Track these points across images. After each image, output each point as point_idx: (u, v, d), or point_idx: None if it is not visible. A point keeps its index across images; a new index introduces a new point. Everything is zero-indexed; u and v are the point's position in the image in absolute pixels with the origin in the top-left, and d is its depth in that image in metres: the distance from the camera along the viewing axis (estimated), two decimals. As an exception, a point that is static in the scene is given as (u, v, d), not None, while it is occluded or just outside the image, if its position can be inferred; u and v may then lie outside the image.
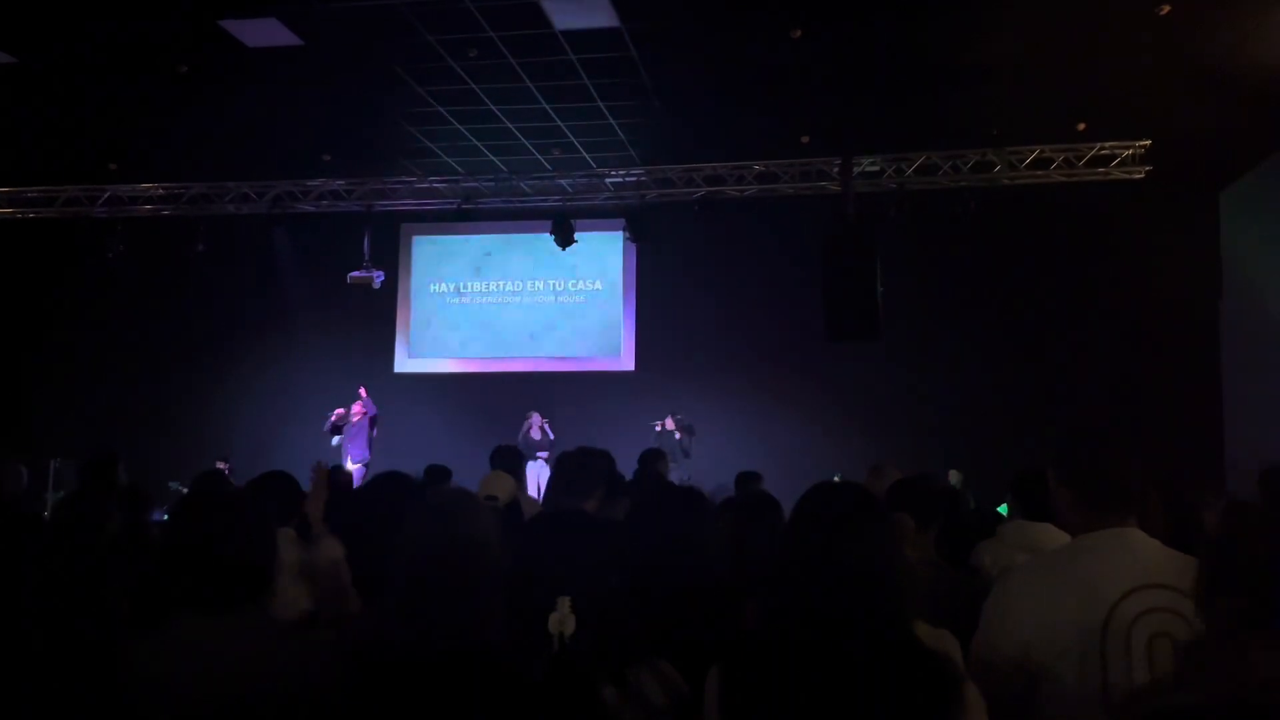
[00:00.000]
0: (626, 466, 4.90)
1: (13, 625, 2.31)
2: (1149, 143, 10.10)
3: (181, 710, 1.78)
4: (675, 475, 10.88)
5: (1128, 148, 10.21)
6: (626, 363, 12.86)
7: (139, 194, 11.81)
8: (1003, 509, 4.75)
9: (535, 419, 11.75)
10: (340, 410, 11.72)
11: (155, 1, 7.33)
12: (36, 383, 12.61)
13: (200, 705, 1.78)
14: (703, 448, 11.83)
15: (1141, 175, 10.24)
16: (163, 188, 11.77)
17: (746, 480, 5.90)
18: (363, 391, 11.80)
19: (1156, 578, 1.87)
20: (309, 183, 11.70)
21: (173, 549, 2.01)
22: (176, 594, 1.90)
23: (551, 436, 11.63)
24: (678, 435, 11.46)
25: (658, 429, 11.37)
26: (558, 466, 3.82)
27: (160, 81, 8.82)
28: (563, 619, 1.64)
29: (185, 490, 8.85)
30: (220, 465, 11.69)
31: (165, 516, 7.48)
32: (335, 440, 11.61)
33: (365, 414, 11.67)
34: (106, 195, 11.81)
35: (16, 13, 7.53)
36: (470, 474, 7.12)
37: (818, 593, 1.58)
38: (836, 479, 9.14)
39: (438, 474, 5.64)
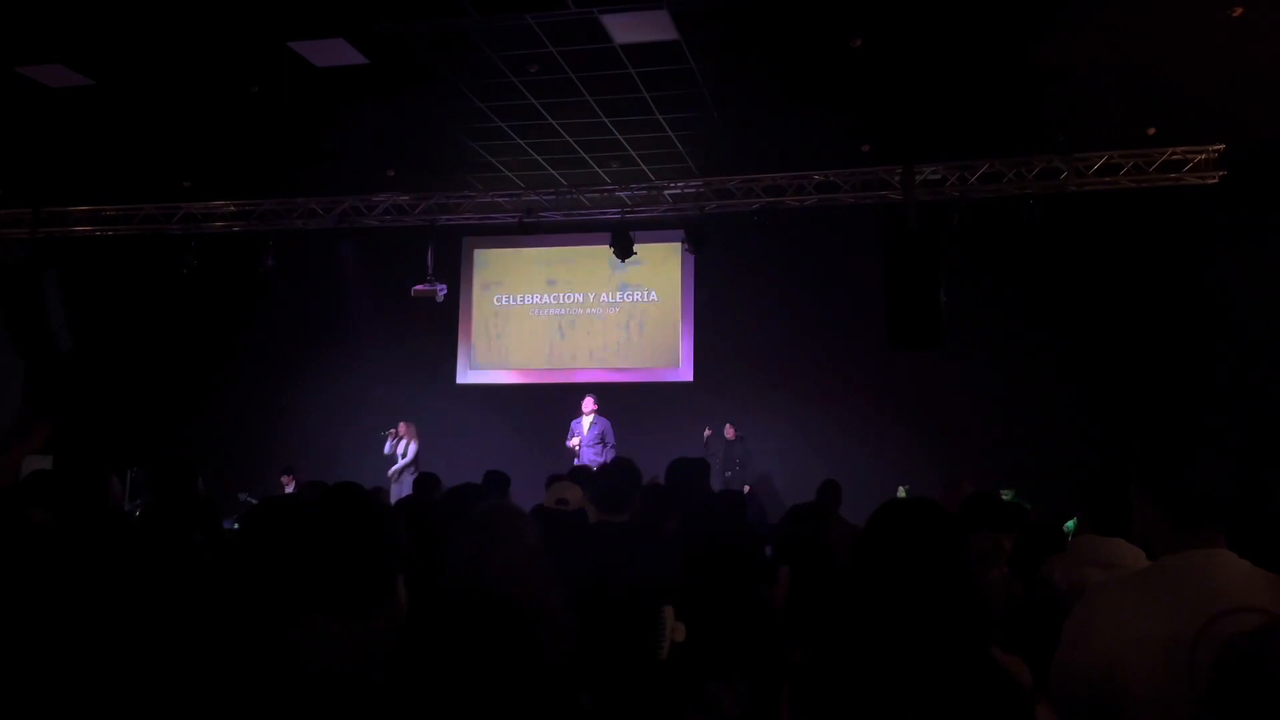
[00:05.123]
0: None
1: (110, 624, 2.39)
2: (1223, 147, 9.82)
3: (306, 707, 1.83)
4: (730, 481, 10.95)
5: (1201, 152, 9.94)
6: (685, 374, 12.87)
7: (211, 211, 12.14)
8: (1069, 526, 4.64)
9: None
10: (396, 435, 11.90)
11: (228, 25, 7.56)
12: (112, 394, 13.00)
13: (323, 704, 1.83)
14: (762, 458, 11.80)
15: (1215, 180, 9.95)
16: (234, 204, 12.09)
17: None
18: (401, 427, 11.92)
19: (1247, 600, 1.83)
20: (374, 198, 11.92)
21: (311, 555, 2.08)
22: (309, 597, 1.96)
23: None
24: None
25: (730, 436, 11.48)
26: (598, 479, 3.97)
27: (232, 101, 9.10)
28: (674, 627, 1.65)
29: (254, 502, 9.04)
30: (285, 479, 11.95)
31: (235, 526, 7.67)
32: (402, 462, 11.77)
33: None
34: (181, 212, 12.16)
35: (94, 37, 7.82)
36: (531, 484, 7.19)
37: (893, 612, 1.57)
38: (902, 492, 9.05)
39: (496, 480, 5.73)
